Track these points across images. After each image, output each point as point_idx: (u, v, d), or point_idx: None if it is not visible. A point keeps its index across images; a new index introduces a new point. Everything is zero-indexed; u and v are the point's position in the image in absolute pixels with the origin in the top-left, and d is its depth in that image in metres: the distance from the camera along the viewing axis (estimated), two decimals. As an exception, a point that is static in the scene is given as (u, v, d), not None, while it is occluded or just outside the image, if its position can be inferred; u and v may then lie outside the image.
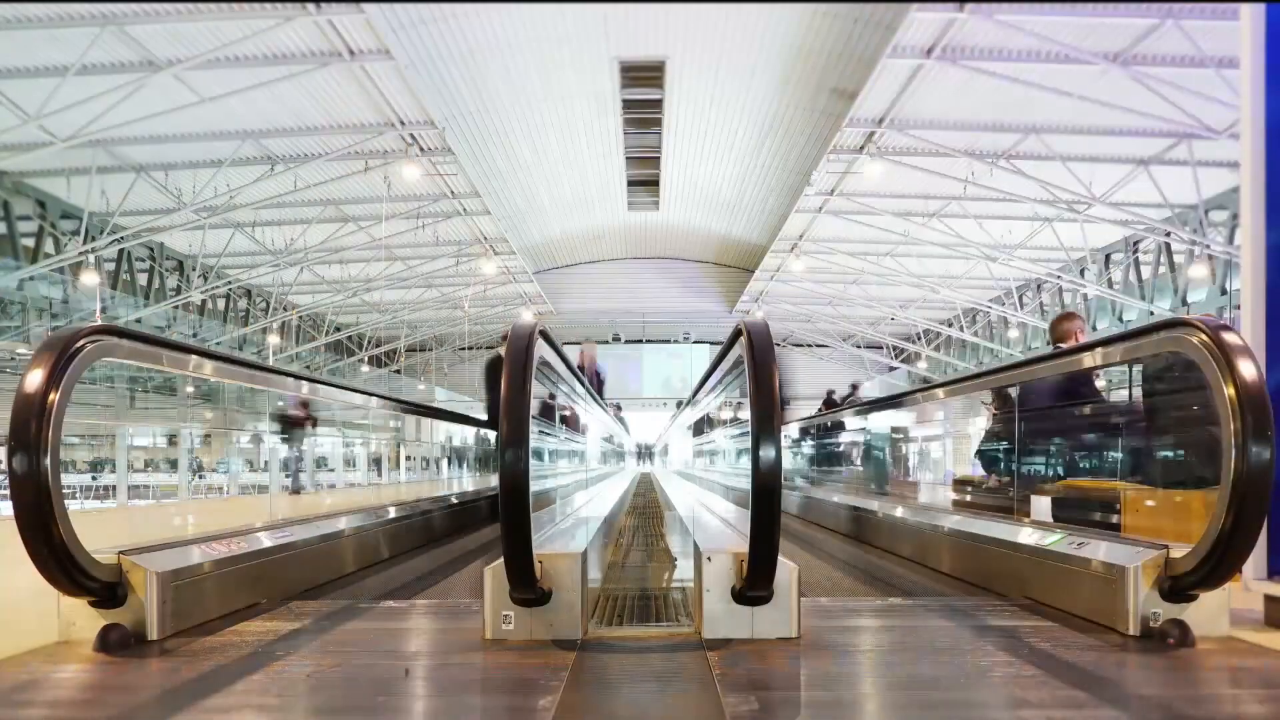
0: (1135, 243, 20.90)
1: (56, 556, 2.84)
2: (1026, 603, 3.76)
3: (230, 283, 22.99)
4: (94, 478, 22.14)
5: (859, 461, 8.98)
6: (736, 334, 3.51)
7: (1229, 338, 2.90)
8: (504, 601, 3.08)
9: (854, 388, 16.19)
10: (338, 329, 30.12)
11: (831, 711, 2.52)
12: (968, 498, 6.15)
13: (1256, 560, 3.34)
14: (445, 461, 11.03)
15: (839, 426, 9.67)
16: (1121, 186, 16.96)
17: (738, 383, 4.76)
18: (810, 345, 32.86)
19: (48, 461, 2.78)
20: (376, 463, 11.97)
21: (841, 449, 9.66)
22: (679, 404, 18.92)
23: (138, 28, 12.22)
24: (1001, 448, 5.81)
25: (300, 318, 28.08)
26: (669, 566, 5.35)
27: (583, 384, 6.84)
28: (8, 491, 2.84)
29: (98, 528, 3.47)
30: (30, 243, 17.46)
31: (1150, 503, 4.30)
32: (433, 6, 13.90)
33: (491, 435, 9.04)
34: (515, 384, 2.97)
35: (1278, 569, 3.40)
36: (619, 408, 18.12)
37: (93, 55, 12.29)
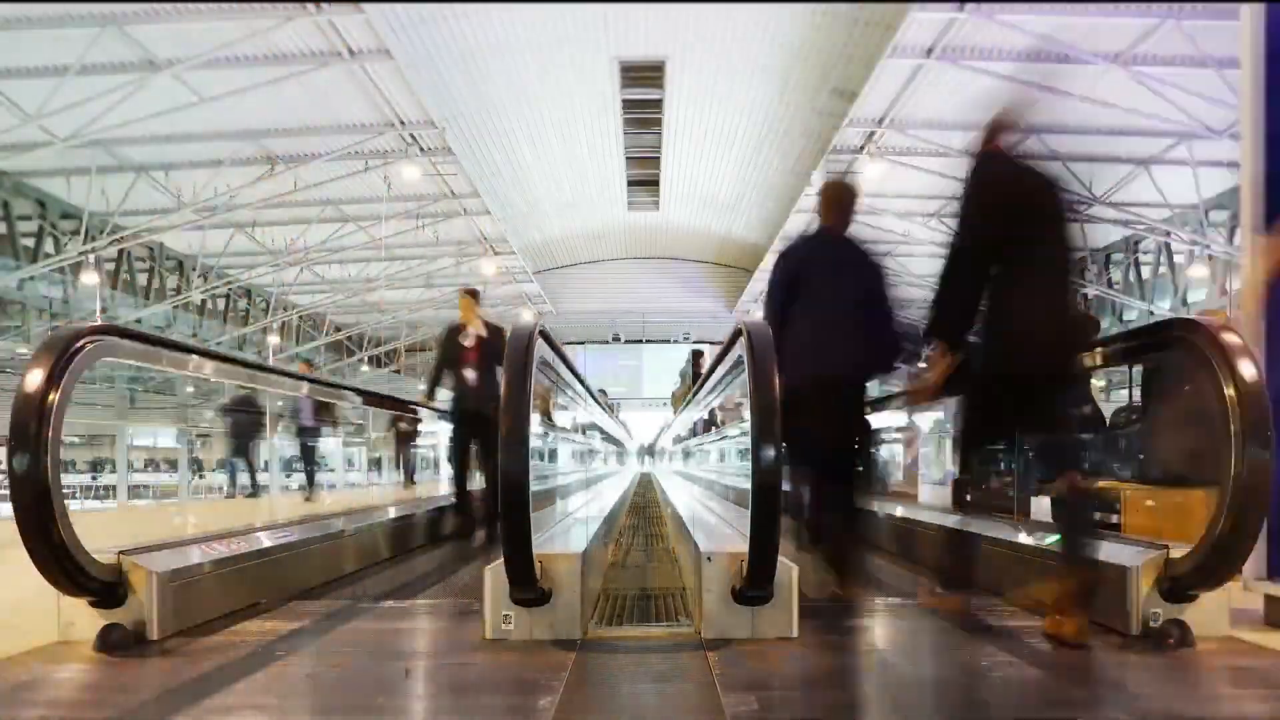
0: (1135, 243, 20.89)
1: (56, 556, 2.84)
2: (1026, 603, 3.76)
3: (230, 283, 22.97)
4: (94, 477, 22.14)
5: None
6: (736, 334, 3.51)
7: (1229, 338, 2.91)
8: (504, 601, 3.08)
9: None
10: (338, 329, 30.08)
11: (831, 712, 2.52)
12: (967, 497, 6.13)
13: (1256, 560, 3.34)
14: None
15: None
16: (1121, 186, 16.94)
17: (738, 383, 4.76)
18: (810, 345, 32.79)
19: (48, 461, 2.78)
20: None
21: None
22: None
23: (138, 28, 12.20)
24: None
25: (300, 318, 28.05)
26: (669, 566, 5.35)
27: (583, 384, 6.85)
28: (8, 491, 2.84)
29: (98, 528, 3.47)
30: (30, 243, 17.45)
31: (1150, 502, 4.30)
32: (433, 6, 13.88)
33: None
34: (515, 384, 2.97)
35: (1278, 569, 3.40)
36: (614, 407, 18.11)
37: (93, 55, 12.27)
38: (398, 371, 32.05)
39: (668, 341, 32.74)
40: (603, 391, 14.44)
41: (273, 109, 15.00)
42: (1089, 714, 2.39)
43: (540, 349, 3.29)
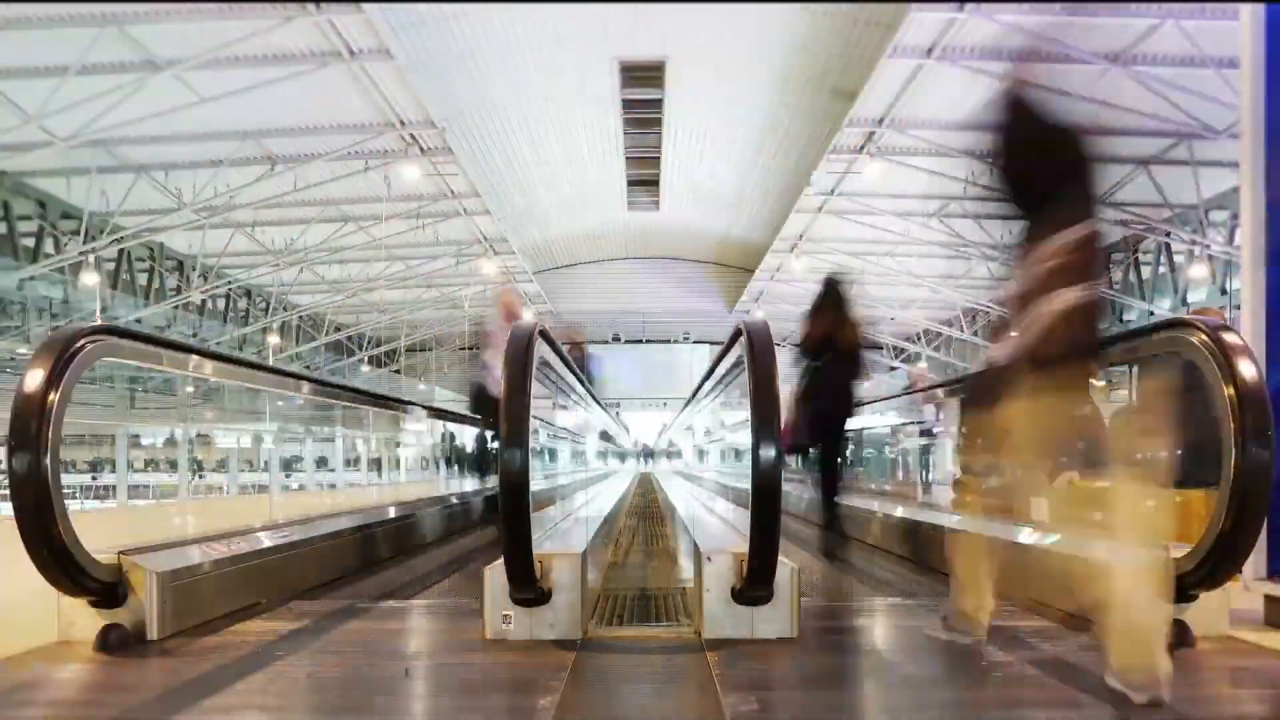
0: (1135, 243, 20.90)
1: (56, 556, 2.84)
2: (1026, 603, 3.76)
3: (230, 283, 22.97)
4: (94, 477, 22.14)
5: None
6: (736, 334, 3.51)
7: (1229, 338, 2.90)
8: (504, 601, 3.08)
9: None
10: (338, 329, 30.09)
11: (831, 712, 2.52)
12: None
13: (1256, 560, 3.34)
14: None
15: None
16: (1121, 187, 16.95)
17: (738, 383, 4.76)
18: (810, 345, 32.77)
19: (48, 461, 2.78)
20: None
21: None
22: (680, 404, 18.91)
23: (138, 28, 12.20)
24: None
25: (300, 318, 28.05)
26: (669, 566, 5.35)
27: (583, 384, 6.84)
28: (8, 491, 2.84)
29: (98, 528, 3.46)
30: (30, 243, 17.45)
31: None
32: (433, 6, 13.88)
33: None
34: (515, 384, 2.97)
35: (1278, 569, 3.40)
36: (617, 408, 18.11)
37: (93, 55, 12.27)
38: (398, 371, 32.05)
39: (668, 341, 32.74)
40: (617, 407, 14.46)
41: (273, 109, 14.99)
42: (1089, 714, 2.39)
43: (540, 349, 3.29)
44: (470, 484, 9.01)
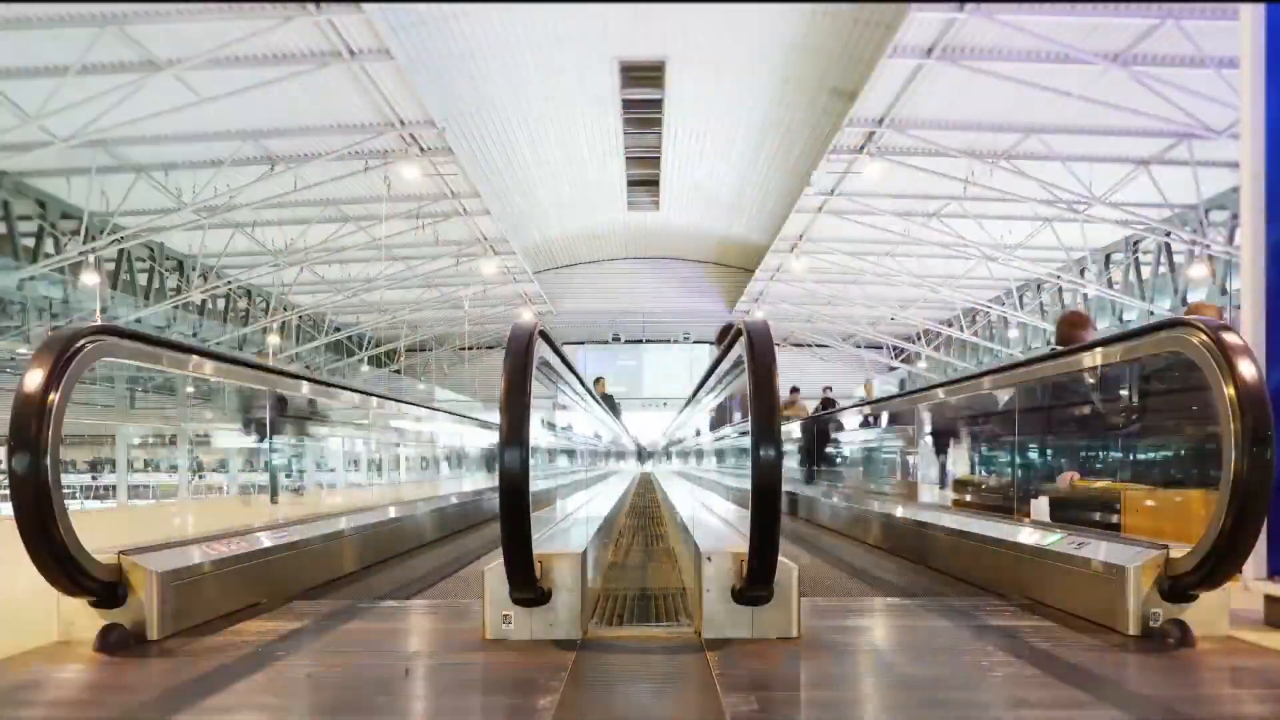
0: (1135, 243, 20.90)
1: (56, 556, 2.84)
2: (1026, 602, 3.77)
3: (230, 283, 22.98)
4: (94, 477, 22.13)
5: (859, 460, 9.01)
6: (737, 334, 3.51)
7: (1229, 338, 2.90)
8: (504, 601, 3.08)
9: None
10: (338, 329, 30.09)
11: (831, 712, 2.52)
12: (966, 497, 6.15)
13: (1256, 560, 3.34)
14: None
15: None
16: (1121, 186, 16.95)
17: (738, 383, 4.76)
18: (810, 345, 32.85)
19: (47, 461, 2.77)
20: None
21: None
22: (680, 405, 18.89)
23: (138, 28, 12.21)
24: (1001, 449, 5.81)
25: (300, 318, 28.06)
26: (669, 566, 5.35)
27: (583, 384, 6.85)
28: (8, 491, 2.83)
29: (98, 527, 3.46)
30: (30, 243, 17.46)
31: (1150, 502, 4.30)
32: (433, 6, 13.89)
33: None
34: (515, 384, 2.97)
35: (1278, 569, 3.40)
36: (617, 409, 18.06)
37: (93, 55, 12.28)
38: (398, 371, 32.06)
39: (668, 341, 32.77)
40: (609, 397, 14.46)
41: (273, 109, 15.00)
42: (1089, 714, 2.39)
43: (540, 349, 3.29)
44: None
